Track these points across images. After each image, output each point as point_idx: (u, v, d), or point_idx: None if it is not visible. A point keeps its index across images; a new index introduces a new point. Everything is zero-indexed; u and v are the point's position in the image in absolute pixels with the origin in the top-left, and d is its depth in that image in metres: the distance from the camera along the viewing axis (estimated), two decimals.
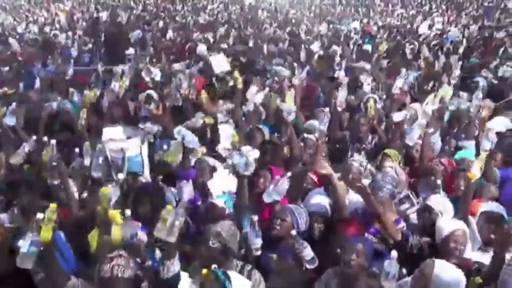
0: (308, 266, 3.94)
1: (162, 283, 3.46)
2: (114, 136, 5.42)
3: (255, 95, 7.15)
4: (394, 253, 3.57)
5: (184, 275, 3.55)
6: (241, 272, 3.66)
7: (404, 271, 3.90)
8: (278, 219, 4.19)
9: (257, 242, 3.95)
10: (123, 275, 3.27)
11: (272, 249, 4.11)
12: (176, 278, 3.45)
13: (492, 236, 4.06)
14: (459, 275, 3.43)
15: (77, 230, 4.21)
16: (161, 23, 16.15)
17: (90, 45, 12.41)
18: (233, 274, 3.26)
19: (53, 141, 4.69)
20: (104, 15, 16.78)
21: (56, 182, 4.60)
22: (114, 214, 3.70)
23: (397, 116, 6.22)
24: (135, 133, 5.64)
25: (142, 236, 3.88)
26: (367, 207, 4.23)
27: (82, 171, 5.24)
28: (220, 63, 8.72)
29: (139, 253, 3.80)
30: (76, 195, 4.78)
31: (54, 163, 4.51)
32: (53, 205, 3.33)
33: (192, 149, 5.27)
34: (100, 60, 10.85)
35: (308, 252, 3.90)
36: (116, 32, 11.46)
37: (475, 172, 4.30)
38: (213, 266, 3.27)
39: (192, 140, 5.22)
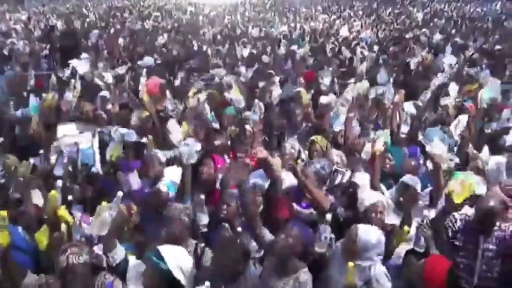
0: (256, 256, 3.88)
1: (113, 270, 3.40)
2: (68, 132, 5.40)
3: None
4: (328, 217, 3.75)
5: (132, 258, 3.53)
6: (195, 250, 3.65)
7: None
8: (224, 204, 4.17)
9: (204, 219, 4.04)
10: (79, 261, 3.16)
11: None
12: (124, 263, 3.43)
13: (401, 200, 4.39)
14: (379, 235, 3.61)
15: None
16: (112, 30, 15.88)
17: (46, 51, 12.05)
18: (165, 250, 3.15)
19: (32, 161, 4.49)
20: (59, 24, 16.36)
21: (16, 196, 4.30)
22: (64, 213, 3.64)
23: (323, 99, 6.68)
24: (87, 128, 5.60)
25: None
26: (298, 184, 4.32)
27: (47, 170, 5.03)
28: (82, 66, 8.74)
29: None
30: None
31: (21, 180, 4.22)
32: (2, 213, 3.16)
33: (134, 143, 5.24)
34: (55, 67, 10.59)
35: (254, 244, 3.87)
36: (70, 39, 11.22)
37: (379, 146, 4.66)
38: (151, 249, 3.20)
39: (130, 133, 5.27)
